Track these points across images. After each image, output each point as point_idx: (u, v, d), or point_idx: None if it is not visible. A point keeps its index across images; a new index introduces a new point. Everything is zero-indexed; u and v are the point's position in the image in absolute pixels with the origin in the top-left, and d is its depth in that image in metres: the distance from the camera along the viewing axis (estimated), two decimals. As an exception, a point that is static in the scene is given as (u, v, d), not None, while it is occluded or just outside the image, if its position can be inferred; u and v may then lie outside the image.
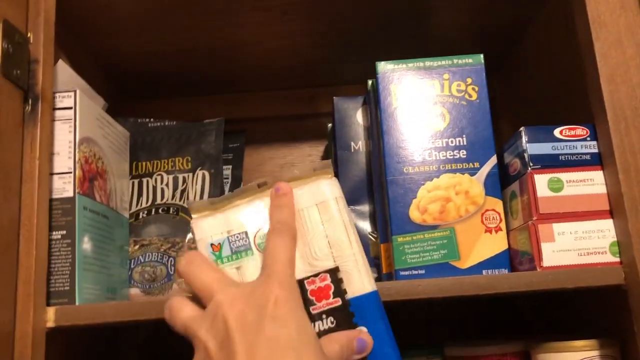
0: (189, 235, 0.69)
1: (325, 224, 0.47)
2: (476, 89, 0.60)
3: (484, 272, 0.56)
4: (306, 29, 0.71)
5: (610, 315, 0.59)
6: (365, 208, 0.68)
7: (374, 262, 0.65)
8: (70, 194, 0.54)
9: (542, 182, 0.53)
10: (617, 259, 0.51)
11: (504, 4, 0.68)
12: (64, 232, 0.53)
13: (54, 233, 0.52)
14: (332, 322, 0.45)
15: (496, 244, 0.57)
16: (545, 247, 0.51)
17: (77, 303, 0.51)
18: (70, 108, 0.56)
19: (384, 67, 0.61)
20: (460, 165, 0.59)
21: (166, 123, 0.76)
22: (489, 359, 0.61)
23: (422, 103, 0.60)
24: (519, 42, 0.76)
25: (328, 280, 0.46)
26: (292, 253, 0.44)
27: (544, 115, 0.72)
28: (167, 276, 0.66)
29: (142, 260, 0.67)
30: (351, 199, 0.68)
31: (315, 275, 0.46)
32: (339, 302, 0.45)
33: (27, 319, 0.46)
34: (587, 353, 0.56)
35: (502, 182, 0.59)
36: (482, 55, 0.61)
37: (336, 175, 0.70)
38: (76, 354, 0.62)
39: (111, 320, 0.48)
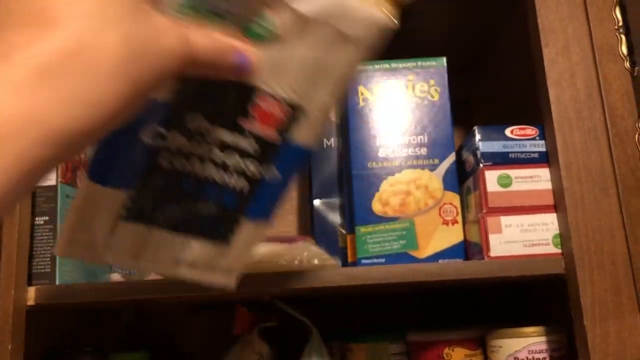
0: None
1: (325, 61, 0.36)
2: (438, 90, 0.64)
3: (440, 261, 0.60)
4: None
5: (561, 307, 0.63)
6: (336, 201, 0.71)
7: (342, 252, 0.69)
8: (53, 182, 0.58)
9: (492, 178, 0.56)
10: (559, 250, 0.55)
11: (479, 5, 0.71)
12: (47, 217, 0.56)
13: (37, 219, 0.56)
14: (253, 146, 0.37)
15: (452, 235, 0.61)
16: (493, 238, 0.55)
17: (57, 284, 0.55)
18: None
19: (352, 68, 0.65)
20: (421, 162, 0.62)
21: None
22: (447, 343, 0.65)
23: (387, 103, 0.64)
24: (494, 42, 0.80)
25: (283, 113, 0.37)
26: None
27: (514, 115, 0.76)
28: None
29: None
30: (323, 193, 0.72)
31: (274, 98, 0.37)
32: (277, 139, 0.38)
33: (9, 298, 0.50)
34: (535, 339, 0.60)
35: (460, 178, 0.63)
36: (444, 59, 0.65)
37: (310, 169, 0.74)
38: (56, 335, 0.66)
39: (89, 300, 0.52)
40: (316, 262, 0.59)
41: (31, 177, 0.23)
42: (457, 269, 0.54)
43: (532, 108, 0.68)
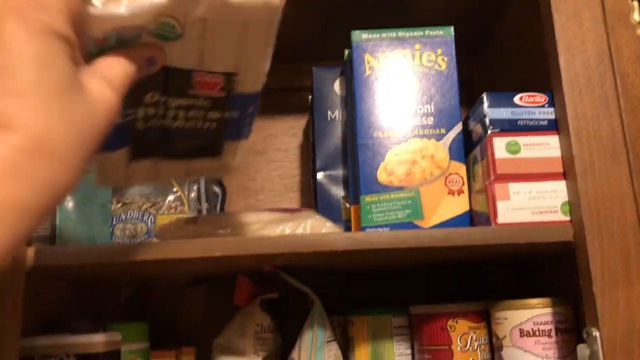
0: (170, 197, 0.72)
1: (235, 37, 0.42)
2: (445, 59, 0.63)
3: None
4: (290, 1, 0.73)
5: (566, 282, 0.63)
6: (339, 173, 0.71)
7: (346, 224, 0.69)
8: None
9: (500, 144, 0.56)
10: (567, 218, 0.54)
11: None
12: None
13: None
14: (206, 102, 0.47)
15: (458, 205, 0.60)
16: (501, 205, 0.55)
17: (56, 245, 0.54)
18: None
19: (358, 37, 0.64)
20: (427, 131, 0.62)
21: None
22: (451, 315, 0.64)
23: (394, 72, 0.63)
24: (496, 24, 0.79)
25: (220, 80, 0.45)
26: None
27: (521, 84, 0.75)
28: (146, 233, 0.69)
29: (124, 218, 0.70)
30: (327, 166, 0.71)
31: (207, 72, 0.44)
32: (222, 94, 0.46)
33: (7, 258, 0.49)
34: (540, 310, 0.60)
35: (466, 149, 0.62)
36: (452, 28, 0.64)
37: (313, 143, 0.73)
38: (55, 305, 0.65)
39: (88, 262, 0.51)
40: (322, 230, 0.58)
41: (17, 245, 0.30)
42: (463, 235, 0.53)
43: (538, 87, 0.67)
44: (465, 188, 0.60)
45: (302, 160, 0.88)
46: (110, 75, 0.35)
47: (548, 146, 0.56)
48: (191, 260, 0.53)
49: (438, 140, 0.61)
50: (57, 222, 0.55)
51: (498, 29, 0.79)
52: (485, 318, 0.65)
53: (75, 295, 0.70)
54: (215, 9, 0.39)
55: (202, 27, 0.40)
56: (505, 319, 0.61)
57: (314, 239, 0.53)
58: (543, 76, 0.64)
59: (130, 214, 0.71)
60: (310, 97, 0.81)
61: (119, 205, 0.71)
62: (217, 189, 0.77)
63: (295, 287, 0.66)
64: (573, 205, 0.53)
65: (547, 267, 0.68)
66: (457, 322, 0.64)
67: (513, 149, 0.56)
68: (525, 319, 0.60)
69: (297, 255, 0.54)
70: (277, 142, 0.89)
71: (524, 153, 0.56)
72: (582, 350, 0.50)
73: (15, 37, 0.30)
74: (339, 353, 0.65)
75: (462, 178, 0.60)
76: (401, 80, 0.63)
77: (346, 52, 0.69)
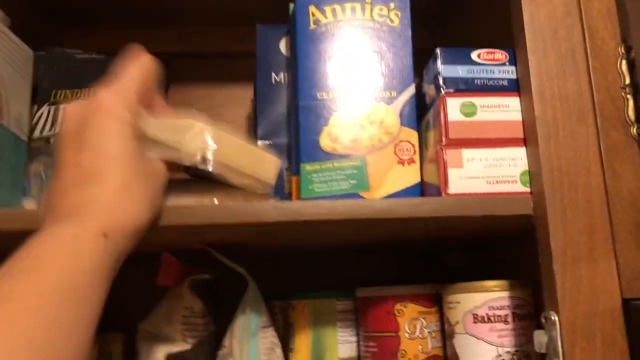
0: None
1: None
2: (399, 14, 0.57)
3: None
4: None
5: (526, 262, 0.57)
6: (283, 141, 0.64)
7: (289, 198, 0.62)
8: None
9: (454, 105, 0.49)
10: (527, 189, 0.49)
11: None
12: None
13: None
14: None
15: (408, 176, 0.54)
16: (452, 173, 0.48)
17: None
18: (-50, 4, 0.51)
19: (303, -13, 0.57)
20: (377, 94, 0.55)
21: (95, 56, 0.72)
22: (399, 299, 0.58)
23: (341, 26, 0.56)
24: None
25: None
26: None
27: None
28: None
29: (44, 178, 0.62)
30: (270, 134, 0.64)
31: None
32: None
33: None
34: (496, 294, 0.54)
35: (419, 114, 0.55)
36: (407, -20, 0.57)
37: (255, 109, 0.66)
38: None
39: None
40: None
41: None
42: (409, 205, 0.47)
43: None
44: (417, 157, 0.54)
45: (250, 131, 0.81)
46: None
47: (507, 108, 0.50)
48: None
49: (388, 104, 0.55)
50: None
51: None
52: (438, 303, 0.59)
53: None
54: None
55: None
56: (458, 302, 0.55)
57: (240, 209, 0.46)
58: (494, 32, 0.58)
59: (51, 173, 0.63)
60: (256, 62, 0.74)
61: (42, 167, 0.64)
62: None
63: (228, 267, 0.59)
64: (534, 174, 0.47)
65: (506, 249, 0.62)
66: (405, 307, 0.58)
67: (468, 110, 0.50)
68: (479, 303, 0.54)
69: (221, 227, 0.47)
70: (223, 111, 0.82)
71: (480, 115, 0.50)
72: (539, 336, 0.45)
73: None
74: (276, 340, 0.59)
75: (414, 146, 0.54)
76: (349, 36, 0.56)
77: (291, 6, 0.62)
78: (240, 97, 0.83)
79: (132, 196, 0.40)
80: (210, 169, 0.48)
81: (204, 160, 0.48)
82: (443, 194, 0.48)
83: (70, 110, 0.44)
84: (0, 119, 0.57)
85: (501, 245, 0.64)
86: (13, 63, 0.60)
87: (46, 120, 0.67)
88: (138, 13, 0.78)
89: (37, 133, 0.66)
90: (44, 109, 0.67)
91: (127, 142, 0.41)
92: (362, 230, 0.53)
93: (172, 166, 0.48)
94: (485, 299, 0.53)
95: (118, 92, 0.43)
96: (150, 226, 0.42)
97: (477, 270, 0.72)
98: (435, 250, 0.76)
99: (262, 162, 0.52)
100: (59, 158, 0.42)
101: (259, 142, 0.64)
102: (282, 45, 0.66)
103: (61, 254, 0.35)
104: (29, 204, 0.60)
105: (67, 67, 0.70)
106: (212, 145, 0.47)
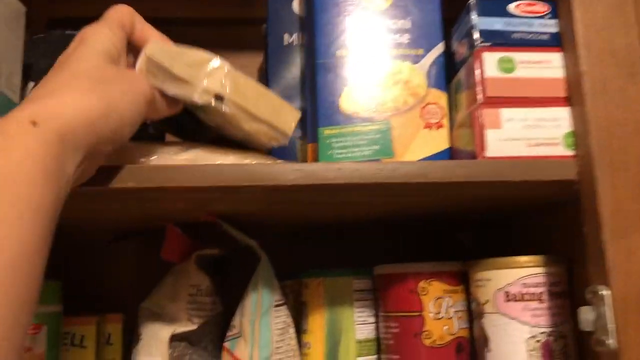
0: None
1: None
2: (426, -34, 0.52)
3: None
4: None
5: (557, 236, 0.53)
6: (297, 106, 0.59)
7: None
8: None
9: (491, 61, 0.45)
10: (571, 153, 0.44)
11: None
12: None
13: None
14: None
15: (436, 141, 0.49)
16: (490, 135, 0.44)
17: None
18: None
19: (321, -63, 0.53)
20: (401, 52, 0.51)
21: None
22: (423, 276, 0.54)
23: (363, -21, 0.52)
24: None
25: None
26: None
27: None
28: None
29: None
30: (283, 98, 0.59)
31: None
32: None
33: None
34: (530, 270, 0.50)
35: (448, 75, 0.51)
36: None
37: (266, 72, 0.62)
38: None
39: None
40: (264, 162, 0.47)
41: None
42: (442, 168, 0.42)
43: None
44: (446, 121, 0.50)
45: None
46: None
47: (549, 64, 0.45)
48: (95, 193, 0.41)
49: (414, 62, 0.50)
50: None
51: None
52: (463, 281, 0.55)
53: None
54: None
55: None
56: (488, 280, 0.51)
57: (256, 170, 0.42)
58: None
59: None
60: (265, 26, 0.70)
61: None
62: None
63: (238, 240, 0.55)
64: (579, 135, 0.43)
65: (530, 224, 0.58)
66: (430, 284, 0.53)
67: (506, 66, 0.45)
68: (512, 280, 0.50)
69: (234, 190, 0.43)
70: (228, 82, 0.77)
71: (519, 72, 0.45)
72: (586, 313, 0.40)
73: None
74: (289, 320, 0.54)
75: (443, 109, 0.50)
76: (372, -10, 0.51)
77: (307, -40, 0.57)
78: (246, 65, 0.78)
79: (77, 87, 0.36)
80: (224, 109, 0.43)
81: (219, 98, 0.43)
82: (479, 157, 0.44)
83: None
84: (-9, 78, 0.52)
85: (522, 219, 0.59)
86: (4, 20, 0.55)
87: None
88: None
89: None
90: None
91: (93, 53, 0.38)
92: (385, 199, 0.49)
93: (172, 103, 0.44)
94: (519, 276, 0.49)
95: (96, 23, 0.41)
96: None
97: (498, 250, 0.67)
98: (448, 228, 0.72)
99: (280, 111, 0.47)
100: None
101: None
102: (295, 5, 0.61)
103: None
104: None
105: (65, 47, 0.66)
106: (229, 83, 0.43)
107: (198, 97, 0.42)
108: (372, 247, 0.72)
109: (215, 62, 0.43)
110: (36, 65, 0.63)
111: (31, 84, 0.61)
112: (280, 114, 0.46)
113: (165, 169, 0.41)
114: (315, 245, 0.71)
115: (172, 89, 0.42)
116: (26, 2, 0.58)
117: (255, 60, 0.78)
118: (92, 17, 0.72)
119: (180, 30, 0.75)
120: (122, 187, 0.40)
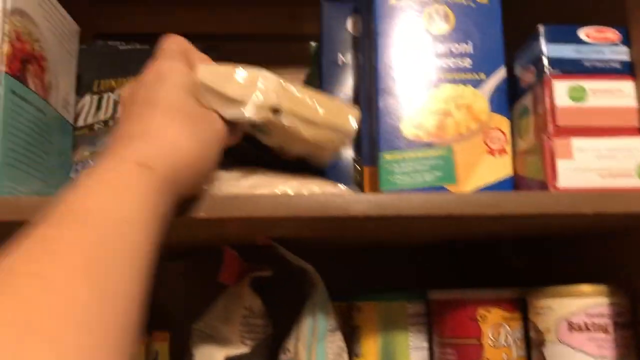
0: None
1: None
2: (488, -11, 0.51)
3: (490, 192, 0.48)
4: None
5: (621, 263, 0.52)
6: (349, 129, 0.59)
7: (359, 190, 0.57)
8: (-6, 70, 0.45)
9: (561, 89, 0.44)
10: (645, 184, 0.43)
11: None
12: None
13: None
14: None
15: (499, 168, 0.49)
16: (562, 165, 0.43)
17: (-8, 199, 0.42)
18: (1, -30, 0.46)
19: (381, -42, 0.52)
20: (463, 76, 0.50)
21: (138, 46, 0.68)
22: (481, 303, 0.53)
23: (424, 2, 0.51)
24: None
25: None
26: None
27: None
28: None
29: (92, 164, 0.58)
30: (334, 120, 0.59)
31: None
32: None
33: None
34: (594, 300, 0.49)
35: (510, 99, 0.50)
36: (495, -49, 0.52)
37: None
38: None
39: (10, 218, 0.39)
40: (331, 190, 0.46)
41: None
42: (516, 200, 0.42)
43: (590, 12, 0.56)
44: (509, 147, 0.49)
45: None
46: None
47: (621, 94, 0.44)
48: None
49: (476, 87, 0.50)
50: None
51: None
52: (521, 308, 0.54)
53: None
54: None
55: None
56: (550, 308, 0.50)
57: (326, 201, 0.41)
58: (604, 8, 0.52)
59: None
60: (314, 43, 0.69)
61: (87, 153, 0.59)
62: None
63: (294, 264, 0.54)
64: (654, 167, 0.42)
65: (590, 250, 0.57)
66: (489, 312, 0.53)
67: (577, 95, 0.44)
68: (575, 310, 0.49)
69: (303, 221, 0.43)
70: (272, 98, 0.77)
71: (591, 101, 0.44)
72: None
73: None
74: (344, 345, 0.54)
75: (505, 135, 0.49)
76: (433, 13, 0.51)
77: (363, -19, 0.57)
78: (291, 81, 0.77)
79: (180, 129, 0.36)
80: (284, 122, 0.42)
81: (276, 111, 0.42)
82: (551, 188, 0.43)
83: (127, 89, 0.41)
84: (49, 97, 0.52)
85: (581, 245, 0.58)
86: (60, 37, 0.55)
87: (89, 108, 0.63)
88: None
89: (80, 122, 0.61)
90: (86, 98, 0.63)
91: (179, 91, 0.38)
92: (450, 228, 0.48)
93: (233, 131, 0.43)
94: (583, 306, 0.48)
95: (163, 55, 0.41)
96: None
97: (548, 272, 0.66)
98: (499, 248, 0.71)
99: (338, 111, 0.46)
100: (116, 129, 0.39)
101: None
102: (349, 24, 0.61)
103: (101, 192, 0.30)
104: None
105: (110, 58, 0.66)
106: (283, 94, 0.42)
107: (255, 114, 0.41)
108: (417, 269, 0.71)
109: (266, 76, 0.42)
110: (82, 78, 0.63)
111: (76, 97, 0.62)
112: (339, 114, 0.45)
113: (237, 199, 0.41)
114: (365, 264, 0.70)
115: (229, 112, 0.42)
116: (74, 18, 0.58)
117: (298, 75, 0.78)
118: (137, 33, 0.73)
119: (227, 46, 0.75)
120: (194, 217, 0.40)
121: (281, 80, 0.43)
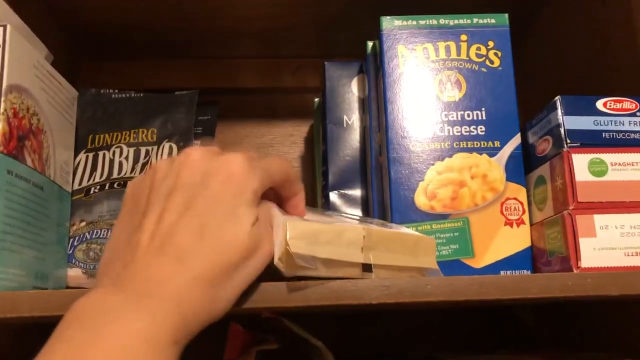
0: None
1: None
2: (499, 54, 0.50)
3: (502, 273, 0.46)
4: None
5: (634, 331, 0.50)
6: (357, 193, 0.57)
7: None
8: (-11, 152, 0.42)
9: (581, 163, 0.43)
10: (672, 262, 0.42)
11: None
12: (-22, 199, 0.41)
13: (-37, 200, 0.41)
14: None
15: (517, 239, 0.47)
16: (585, 244, 0.41)
17: (-12, 291, 0.40)
18: (-3, 46, 0.44)
19: (389, 23, 0.51)
20: (477, 144, 0.49)
21: (132, 94, 0.66)
22: (500, 378, 0.51)
23: (434, 68, 0.50)
24: (543, 7, 0.65)
25: None
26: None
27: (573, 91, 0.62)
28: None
29: (88, 237, 0.56)
30: (341, 182, 0.57)
31: None
32: None
33: None
34: (620, 375, 0.47)
35: (525, 166, 0.49)
36: (506, 16, 0.51)
37: (324, 153, 0.60)
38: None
39: (26, 315, 0.36)
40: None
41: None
42: (538, 283, 0.39)
43: (599, 82, 0.55)
44: (526, 217, 0.47)
45: (304, 174, 0.74)
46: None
47: (643, 167, 0.43)
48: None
49: (491, 155, 0.48)
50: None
51: (545, 12, 0.66)
52: (541, 378, 0.52)
53: (18, 340, 0.55)
54: None
55: None
56: (573, 384, 0.48)
57: (339, 288, 0.39)
58: (604, 75, 0.51)
59: (96, 233, 0.56)
60: (317, 99, 0.68)
61: (83, 224, 0.57)
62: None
63: (301, 337, 0.52)
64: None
65: (607, 314, 0.55)
66: (508, 386, 0.51)
67: (598, 169, 0.43)
68: (601, 387, 0.47)
69: (316, 307, 0.40)
70: (273, 151, 0.75)
71: (612, 175, 0.43)
72: None
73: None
74: (357, 422, 0.52)
75: (522, 204, 0.48)
76: (444, 79, 0.50)
77: (369, 44, 0.56)
78: (292, 136, 0.76)
79: (215, 291, 0.31)
80: (373, 277, 0.39)
81: (366, 268, 0.39)
82: (574, 269, 0.42)
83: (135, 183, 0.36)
84: (47, 170, 0.50)
85: (598, 309, 0.57)
86: (58, 106, 0.53)
87: (84, 168, 0.60)
88: (179, 47, 0.72)
89: (75, 184, 0.59)
90: (81, 156, 0.61)
91: (243, 231, 0.32)
92: (467, 305, 0.46)
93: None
94: (608, 383, 0.46)
95: (254, 159, 0.34)
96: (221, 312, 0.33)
97: (560, 331, 0.64)
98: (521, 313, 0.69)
99: (418, 249, 0.42)
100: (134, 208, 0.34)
101: (330, 194, 0.57)
102: (354, 85, 0.59)
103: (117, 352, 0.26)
104: (75, 273, 0.53)
105: (103, 108, 0.64)
106: (371, 249, 0.39)
107: (348, 274, 0.39)
108: (423, 329, 0.69)
109: (353, 231, 0.39)
110: (76, 133, 0.61)
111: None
112: (419, 253, 0.42)
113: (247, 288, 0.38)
114: (366, 325, 0.68)
115: (323, 272, 0.38)
116: (72, 76, 0.56)
117: (301, 129, 0.76)
118: (137, 89, 0.71)
119: (228, 100, 0.74)
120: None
121: (368, 232, 0.39)
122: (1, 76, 0.44)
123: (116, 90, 0.66)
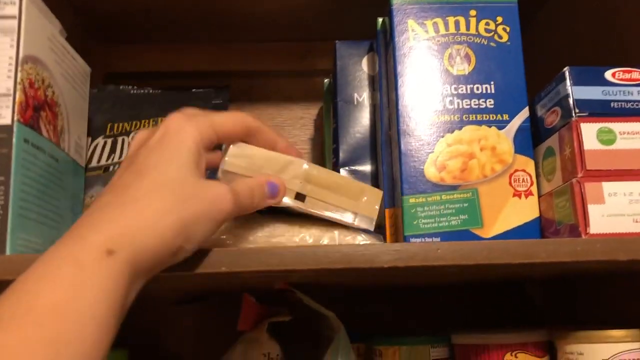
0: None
1: None
2: (507, 29, 0.51)
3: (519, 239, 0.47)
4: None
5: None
6: (367, 168, 0.58)
7: (377, 232, 0.56)
8: (7, 121, 0.43)
9: (590, 132, 0.43)
10: (680, 228, 0.42)
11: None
12: (-4, 168, 0.42)
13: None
14: None
15: (526, 210, 0.47)
16: (593, 210, 0.42)
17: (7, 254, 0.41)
18: (14, 17, 0.45)
19: (400, -1, 0.51)
20: (486, 117, 0.49)
21: (150, 91, 0.68)
22: (509, 348, 0.51)
23: (444, 42, 0.50)
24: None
25: None
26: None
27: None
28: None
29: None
30: (351, 159, 0.58)
31: None
32: None
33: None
34: (627, 345, 0.47)
35: (534, 139, 0.49)
36: (515, -9, 0.52)
37: (335, 130, 0.60)
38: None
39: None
40: (357, 239, 0.45)
41: None
42: (546, 248, 0.40)
43: (611, 55, 0.55)
44: (534, 189, 0.48)
45: (313, 155, 0.75)
46: (237, 186, 0.39)
47: (652, 135, 0.43)
48: (185, 276, 0.39)
49: (500, 128, 0.49)
50: (9, 219, 0.42)
51: None
52: (549, 351, 0.53)
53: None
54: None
55: None
56: (580, 354, 0.48)
57: (352, 252, 0.40)
58: (615, 48, 0.52)
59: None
60: (327, 80, 0.68)
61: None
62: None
63: (313, 310, 0.53)
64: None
65: (617, 289, 0.56)
66: (516, 357, 0.51)
67: (606, 138, 0.43)
68: (608, 356, 0.47)
69: (327, 271, 0.41)
70: (284, 133, 0.76)
71: (620, 144, 0.43)
72: None
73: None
74: (366, 392, 0.52)
75: (531, 176, 0.48)
76: (453, 53, 0.50)
77: (379, 20, 0.56)
78: (302, 117, 0.77)
79: (157, 204, 0.34)
80: (306, 208, 0.43)
81: (299, 197, 0.43)
82: (583, 235, 0.42)
83: (138, 135, 0.40)
84: (61, 142, 0.51)
85: (607, 283, 0.57)
86: (72, 80, 0.54)
87: (102, 150, 0.62)
88: (192, 30, 0.73)
89: (93, 162, 0.60)
90: (99, 140, 0.62)
91: (181, 168, 0.36)
92: (477, 273, 0.47)
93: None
94: (616, 351, 0.47)
95: (192, 114, 0.39)
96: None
97: (569, 309, 0.65)
98: (515, 285, 0.70)
99: (361, 196, 0.45)
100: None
101: (340, 170, 0.58)
102: (365, 63, 0.60)
103: (57, 286, 0.29)
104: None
105: (121, 102, 0.66)
106: (308, 181, 0.43)
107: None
108: (440, 309, 0.69)
109: (293, 163, 0.43)
110: (94, 121, 0.62)
111: (89, 139, 0.60)
112: (362, 200, 0.45)
113: (259, 252, 0.39)
114: (378, 303, 0.69)
115: None
116: (84, 58, 0.57)
117: (311, 111, 0.77)
118: (148, 72, 0.72)
119: (239, 83, 0.75)
120: (216, 272, 0.38)
121: (306, 166, 0.43)
122: (18, 46, 0.45)
123: (134, 87, 0.67)
